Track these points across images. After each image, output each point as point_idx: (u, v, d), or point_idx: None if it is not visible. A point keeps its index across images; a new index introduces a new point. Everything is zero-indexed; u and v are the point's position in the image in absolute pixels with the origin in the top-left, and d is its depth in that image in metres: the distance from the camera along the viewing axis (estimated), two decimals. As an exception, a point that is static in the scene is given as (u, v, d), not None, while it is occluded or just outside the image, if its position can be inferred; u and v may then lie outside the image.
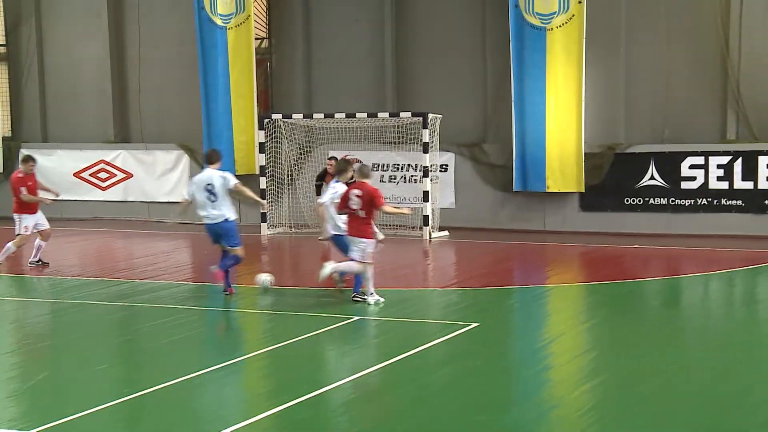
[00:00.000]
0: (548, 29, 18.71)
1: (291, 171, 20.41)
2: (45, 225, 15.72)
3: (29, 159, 15.80)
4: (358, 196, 12.01)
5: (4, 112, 23.17)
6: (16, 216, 15.52)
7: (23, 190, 15.39)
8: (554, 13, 18.64)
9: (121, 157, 22.15)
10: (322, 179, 17.58)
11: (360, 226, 12.10)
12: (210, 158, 13.10)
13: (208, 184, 12.79)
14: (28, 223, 15.46)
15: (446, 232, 18.95)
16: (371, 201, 11.99)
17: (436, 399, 8.53)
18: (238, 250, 13.05)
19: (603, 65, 19.15)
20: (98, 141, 22.58)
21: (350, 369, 9.23)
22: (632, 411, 8.10)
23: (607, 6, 19.09)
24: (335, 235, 12.79)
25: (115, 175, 22.21)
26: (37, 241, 15.66)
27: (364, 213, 12.06)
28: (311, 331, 10.91)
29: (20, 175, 15.57)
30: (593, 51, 18.82)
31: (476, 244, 17.56)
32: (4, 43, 23.29)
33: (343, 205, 12.17)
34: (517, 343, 11.02)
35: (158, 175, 21.88)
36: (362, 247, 12.09)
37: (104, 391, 8.82)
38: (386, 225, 19.36)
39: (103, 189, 22.31)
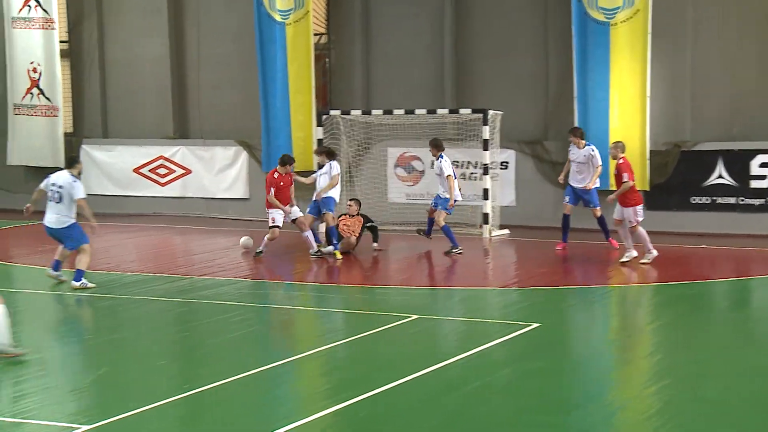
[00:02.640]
0: (612, 24, 18.48)
1: (349, 167, 20.45)
2: (297, 214, 16.39)
3: (290, 161, 16.54)
4: None
5: (66, 109, 23.56)
6: (268, 210, 16.34)
7: (272, 190, 16.15)
8: (618, 7, 18.39)
9: (180, 153, 22.39)
10: None
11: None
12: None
13: None
14: (275, 215, 16.15)
15: (507, 231, 18.84)
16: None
17: (497, 400, 8.49)
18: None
19: (669, 60, 18.86)
20: (158, 137, 22.85)
21: (409, 368, 9.21)
22: (698, 415, 7.97)
23: (674, -1, 18.80)
24: None
25: (174, 171, 22.45)
26: (304, 233, 16.28)
27: None
28: (370, 329, 10.92)
29: (276, 175, 16.29)
30: (659, 46, 18.54)
31: (537, 242, 17.43)
32: (67, 39, 23.69)
33: None
34: (580, 344, 10.91)
35: (216, 171, 22.07)
36: None
37: (163, 387, 8.92)
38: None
39: (162, 185, 22.56)
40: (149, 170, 22.60)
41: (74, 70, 23.71)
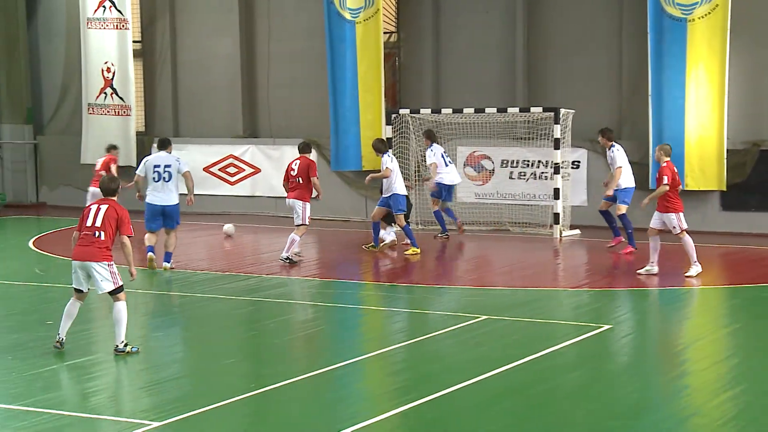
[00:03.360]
0: (689, 20, 18.18)
1: (418, 167, 20.46)
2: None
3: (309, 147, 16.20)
4: None
5: (138, 108, 23.99)
6: (300, 203, 15.40)
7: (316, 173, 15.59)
8: (696, 3, 18.09)
9: (249, 151, 22.64)
10: None
11: None
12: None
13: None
14: (309, 213, 15.51)
15: (577, 231, 18.68)
16: None
17: (566, 403, 8.42)
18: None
19: (749, 57, 18.48)
20: (227, 136, 23.15)
21: (477, 370, 9.19)
22: (776, 422, 7.80)
23: (755, -7, 18.43)
24: None
25: (244, 170, 22.71)
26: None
27: None
28: (438, 329, 10.92)
29: (313, 158, 15.93)
30: (738, 42, 18.18)
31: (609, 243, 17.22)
32: (140, 39, 24.12)
33: None
34: (652, 347, 10.76)
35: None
36: None
37: (232, 385, 9.05)
38: (515, 223, 19.22)
39: (232, 184, 22.85)
40: (219, 169, 22.90)
41: (146, 69, 24.14)
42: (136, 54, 23.79)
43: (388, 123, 19.96)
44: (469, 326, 11.14)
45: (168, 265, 14.94)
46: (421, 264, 16.24)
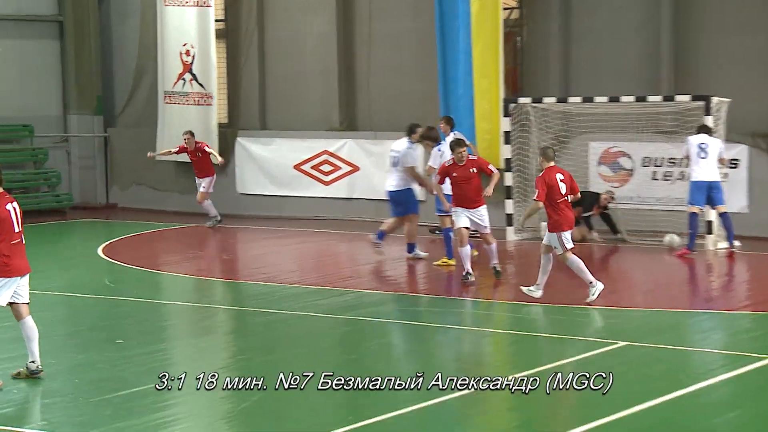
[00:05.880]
0: None
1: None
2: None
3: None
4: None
5: (220, 96, 24.30)
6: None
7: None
8: None
9: (346, 146, 22.75)
10: None
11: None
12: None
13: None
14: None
15: (737, 243, 18.22)
16: None
17: (723, 449, 8.22)
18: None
19: None
20: (322, 129, 23.30)
21: (611, 407, 9.05)
22: None
23: None
24: None
25: (340, 168, 22.82)
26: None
27: None
28: (565, 357, 10.81)
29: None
30: None
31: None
32: (223, 18, 24.44)
33: None
34: (828, 384, 10.42)
35: (388, 168, 22.26)
36: None
37: (326, 417, 9.08)
38: (657, 231, 18.86)
39: (327, 184, 22.95)
40: (311, 167, 23.03)
41: (230, 52, 24.46)
42: (219, 34, 24.15)
43: (506, 114, 19.83)
44: (604, 353, 10.99)
45: (411, 255, 16.83)
46: (549, 280, 16.01)
